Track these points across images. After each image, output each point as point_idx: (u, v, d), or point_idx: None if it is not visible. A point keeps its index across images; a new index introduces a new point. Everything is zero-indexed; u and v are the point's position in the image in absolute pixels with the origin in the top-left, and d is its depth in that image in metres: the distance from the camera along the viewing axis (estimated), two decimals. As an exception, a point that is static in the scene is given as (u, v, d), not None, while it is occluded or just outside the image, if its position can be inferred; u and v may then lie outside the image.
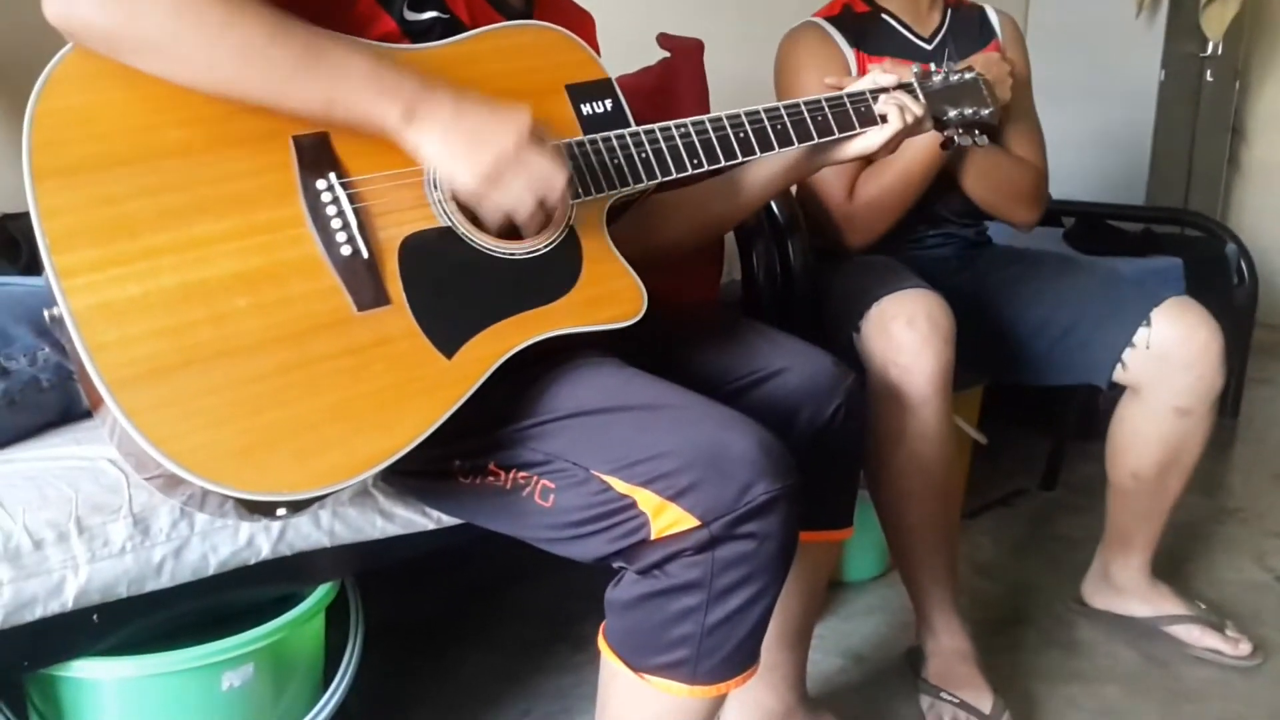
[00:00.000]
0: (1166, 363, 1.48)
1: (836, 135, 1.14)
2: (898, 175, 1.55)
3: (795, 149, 1.18)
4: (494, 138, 0.89)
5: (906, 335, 1.35)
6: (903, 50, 1.63)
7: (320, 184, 0.89)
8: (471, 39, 1.02)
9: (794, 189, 1.66)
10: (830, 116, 1.13)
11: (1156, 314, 1.49)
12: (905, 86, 1.19)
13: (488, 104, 0.91)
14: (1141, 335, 1.49)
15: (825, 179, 1.58)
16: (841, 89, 1.18)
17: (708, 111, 1.17)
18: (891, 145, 1.17)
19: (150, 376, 0.79)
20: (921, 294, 1.39)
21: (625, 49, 1.70)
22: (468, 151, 0.88)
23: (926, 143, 1.51)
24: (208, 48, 0.83)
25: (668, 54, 1.81)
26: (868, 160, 1.21)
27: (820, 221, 1.64)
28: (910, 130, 1.17)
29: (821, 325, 1.60)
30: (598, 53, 1.18)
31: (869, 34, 1.64)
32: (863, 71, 1.57)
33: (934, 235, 1.72)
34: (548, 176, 0.91)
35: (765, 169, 1.21)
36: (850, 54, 1.62)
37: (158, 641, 1.04)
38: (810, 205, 1.65)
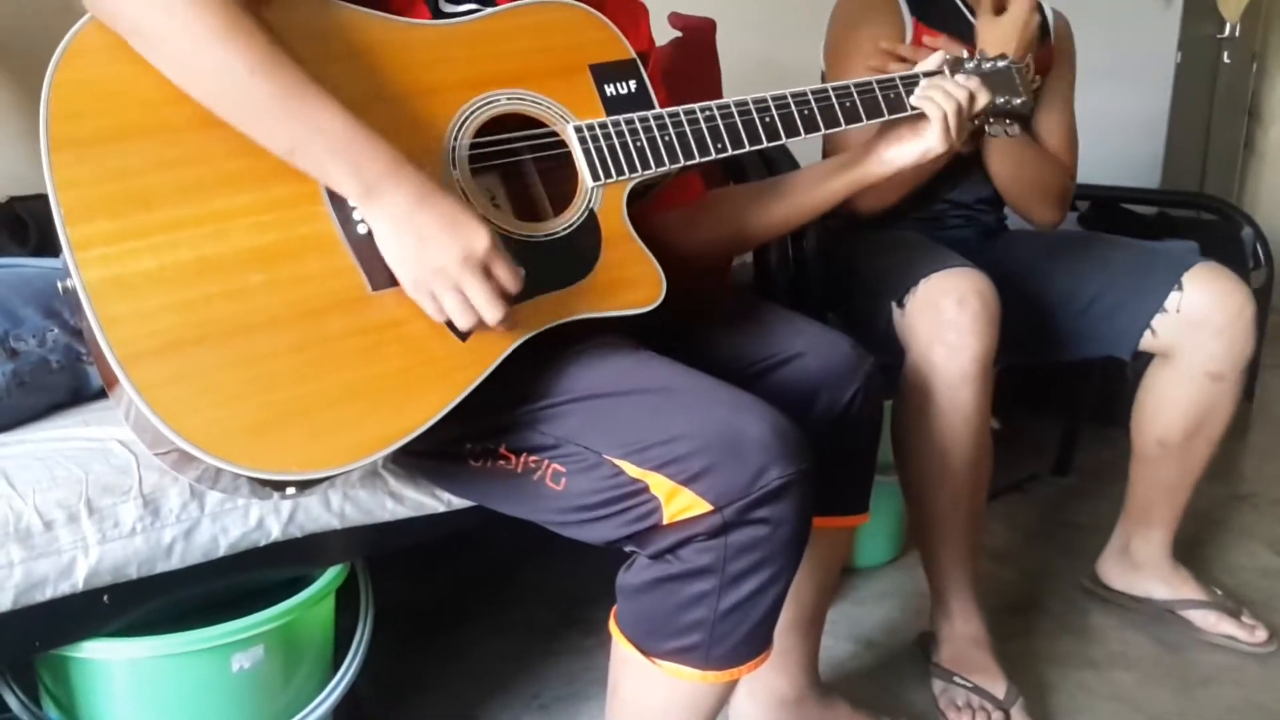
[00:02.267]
0: (1199, 327, 1.47)
1: (865, 122, 1.10)
2: None
3: (841, 161, 1.16)
4: (440, 250, 0.84)
5: (956, 313, 1.33)
6: (960, 31, 1.59)
7: None
8: (495, 15, 1.00)
9: (825, 151, 1.64)
10: (859, 102, 1.09)
11: (1188, 278, 1.48)
12: (936, 75, 1.14)
13: (450, 211, 0.85)
14: (1173, 299, 1.48)
15: (849, 141, 1.56)
16: (894, 53, 1.13)
17: (719, 92, 1.15)
18: (949, 140, 1.09)
19: (163, 351, 0.79)
20: (972, 273, 1.38)
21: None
22: (414, 247, 0.84)
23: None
24: (189, 57, 0.81)
25: (679, 33, 1.79)
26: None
27: None
28: (964, 117, 1.09)
29: (847, 299, 1.58)
30: (652, 40, 1.16)
31: (931, 6, 1.61)
32: (917, 42, 1.54)
33: (955, 216, 1.70)
34: (482, 305, 0.85)
35: (826, 171, 1.17)
36: (909, 21, 1.59)
37: (168, 623, 1.04)
38: None
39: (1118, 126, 3.09)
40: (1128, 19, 3.15)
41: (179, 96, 0.83)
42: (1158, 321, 1.49)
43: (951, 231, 1.69)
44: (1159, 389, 1.55)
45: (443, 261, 0.84)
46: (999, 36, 1.46)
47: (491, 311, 0.86)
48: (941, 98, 1.09)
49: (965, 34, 1.59)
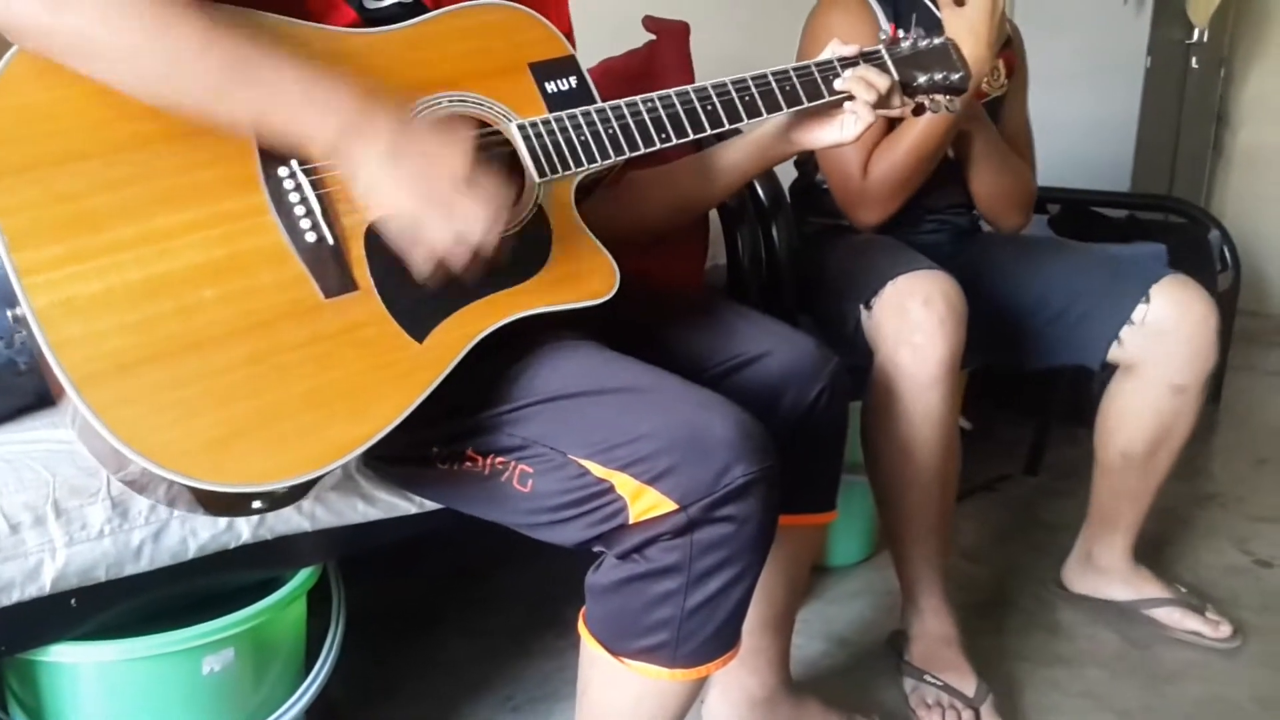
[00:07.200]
0: (1164, 339, 1.49)
1: (806, 104, 1.11)
2: (908, 150, 1.54)
3: (764, 132, 1.17)
4: (433, 176, 0.83)
5: (922, 315, 1.35)
6: (934, 29, 1.60)
7: (282, 171, 0.87)
8: (432, 20, 1.00)
9: (820, 164, 1.67)
10: (798, 86, 1.11)
11: (1155, 291, 1.50)
12: (872, 55, 1.16)
13: (429, 133, 0.86)
14: (1140, 312, 1.50)
15: (843, 155, 1.58)
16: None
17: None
18: (866, 130, 1.13)
19: (117, 372, 0.78)
20: (937, 275, 1.39)
21: (611, 31, 1.69)
22: (406, 184, 0.83)
23: (936, 119, 1.50)
24: (133, 55, 0.80)
25: (653, 36, 1.80)
26: (889, 129, 1.16)
27: (838, 197, 1.64)
28: (880, 105, 1.12)
29: (818, 301, 1.59)
30: (571, 27, 1.16)
31: (905, 10, 1.62)
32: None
33: (930, 220, 1.72)
34: (472, 221, 0.84)
35: (736, 152, 1.20)
36: (886, 28, 1.60)
37: (137, 626, 1.03)
38: (830, 181, 1.65)
39: (1088, 130, 3.13)
40: (1098, 24, 3.18)
41: (117, 116, 0.83)
42: (1125, 333, 1.51)
43: (925, 235, 1.71)
44: (1123, 400, 1.57)
45: (453, 167, 0.83)
46: (965, 27, 1.46)
47: (493, 226, 0.84)
48: (870, 82, 1.11)
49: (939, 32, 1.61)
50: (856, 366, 1.32)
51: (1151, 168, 3.32)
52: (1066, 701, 1.47)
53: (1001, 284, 1.63)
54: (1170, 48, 3.31)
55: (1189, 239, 2.52)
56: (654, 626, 0.91)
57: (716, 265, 1.80)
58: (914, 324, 1.35)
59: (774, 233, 1.64)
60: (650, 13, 1.80)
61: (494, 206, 0.85)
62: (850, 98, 1.11)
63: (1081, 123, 3.10)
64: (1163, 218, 2.72)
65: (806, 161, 1.77)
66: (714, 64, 1.87)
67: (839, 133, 1.14)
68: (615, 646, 0.94)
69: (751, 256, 1.66)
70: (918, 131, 1.52)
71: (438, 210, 0.83)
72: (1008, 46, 1.69)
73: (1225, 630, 1.60)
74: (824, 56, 1.14)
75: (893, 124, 1.58)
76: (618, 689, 0.97)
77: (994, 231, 1.80)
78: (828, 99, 1.12)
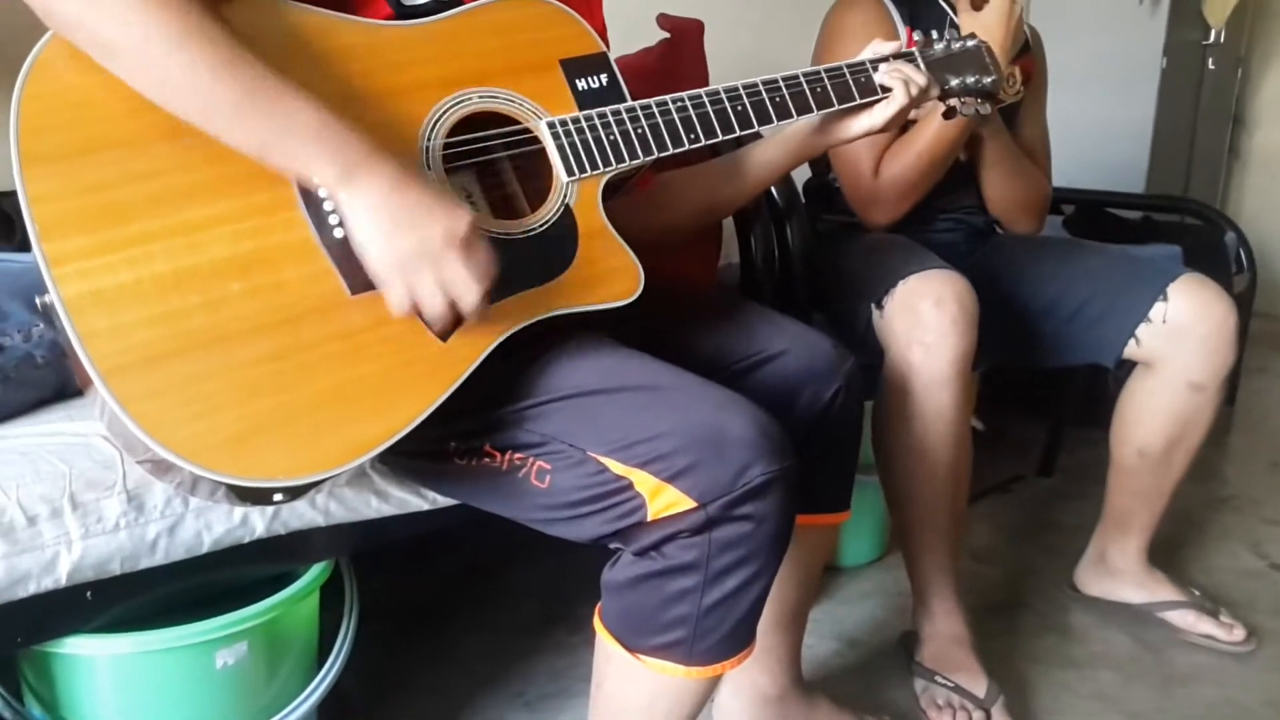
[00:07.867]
0: (1183, 337, 1.48)
1: (837, 106, 1.12)
2: (920, 153, 1.54)
3: (796, 128, 1.17)
4: (422, 227, 0.83)
5: (934, 315, 1.35)
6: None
7: None
8: (464, 13, 1.00)
9: (831, 163, 1.67)
10: (830, 88, 1.11)
11: (1173, 289, 1.50)
12: (906, 55, 1.17)
13: (429, 193, 0.85)
14: (1158, 310, 1.49)
15: (856, 155, 1.58)
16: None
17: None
18: (898, 119, 1.14)
19: (143, 364, 0.78)
20: (949, 275, 1.39)
21: (625, 29, 1.68)
22: (391, 230, 0.83)
23: (949, 122, 1.50)
24: (150, 65, 0.80)
25: (668, 34, 1.80)
26: (902, 132, 1.17)
27: (849, 197, 1.64)
28: (915, 101, 1.14)
29: (831, 299, 1.59)
30: (604, 24, 1.16)
31: (922, 12, 1.62)
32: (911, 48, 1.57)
33: (944, 219, 1.71)
34: (462, 287, 0.84)
35: (769, 149, 1.20)
36: (902, 30, 1.60)
37: (152, 619, 1.04)
38: (842, 180, 1.65)
39: (1104, 131, 3.11)
40: (1114, 24, 3.17)
41: (148, 106, 0.82)
42: (1142, 331, 1.51)
43: (940, 235, 1.70)
44: (1141, 398, 1.56)
45: (422, 243, 0.83)
46: (981, 30, 1.47)
47: (471, 294, 0.85)
48: (908, 77, 1.12)
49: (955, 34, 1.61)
50: (868, 366, 1.32)
51: (1167, 169, 3.31)
52: (1078, 703, 1.46)
53: (1017, 283, 1.62)
54: (1186, 49, 3.29)
55: (1204, 241, 2.51)
56: (670, 624, 0.91)
57: (730, 264, 1.80)
58: (925, 324, 1.35)
59: (788, 232, 1.64)
60: (664, 11, 1.80)
61: (486, 277, 0.85)
62: (885, 96, 1.12)
63: (1097, 124, 3.09)
64: (1178, 219, 2.71)
65: (820, 160, 1.77)
66: (727, 62, 1.87)
67: (869, 120, 1.14)
68: (631, 643, 0.94)
69: (765, 255, 1.66)
70: (930, 134, 1.52)
71: (427, 264, 0.83)
72: (1025, 52, 1.69)
73: (1239, 634, 1.59)
74: (863, 57, 1.14)
75: (906, 125, 1.58)
76: (633, 685, 0.97)
77: (1006, 234, 1.79)
78: (859, 101, 1.12)
